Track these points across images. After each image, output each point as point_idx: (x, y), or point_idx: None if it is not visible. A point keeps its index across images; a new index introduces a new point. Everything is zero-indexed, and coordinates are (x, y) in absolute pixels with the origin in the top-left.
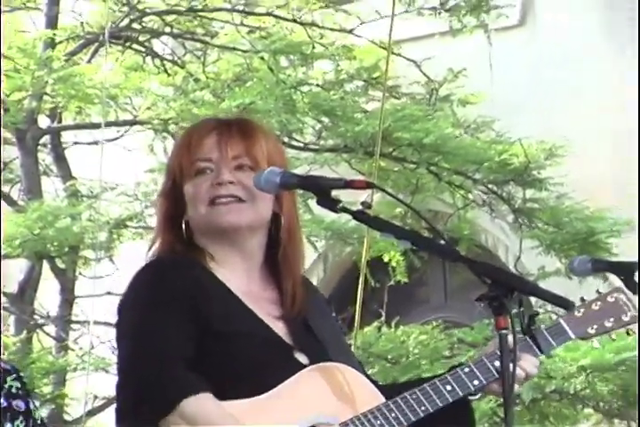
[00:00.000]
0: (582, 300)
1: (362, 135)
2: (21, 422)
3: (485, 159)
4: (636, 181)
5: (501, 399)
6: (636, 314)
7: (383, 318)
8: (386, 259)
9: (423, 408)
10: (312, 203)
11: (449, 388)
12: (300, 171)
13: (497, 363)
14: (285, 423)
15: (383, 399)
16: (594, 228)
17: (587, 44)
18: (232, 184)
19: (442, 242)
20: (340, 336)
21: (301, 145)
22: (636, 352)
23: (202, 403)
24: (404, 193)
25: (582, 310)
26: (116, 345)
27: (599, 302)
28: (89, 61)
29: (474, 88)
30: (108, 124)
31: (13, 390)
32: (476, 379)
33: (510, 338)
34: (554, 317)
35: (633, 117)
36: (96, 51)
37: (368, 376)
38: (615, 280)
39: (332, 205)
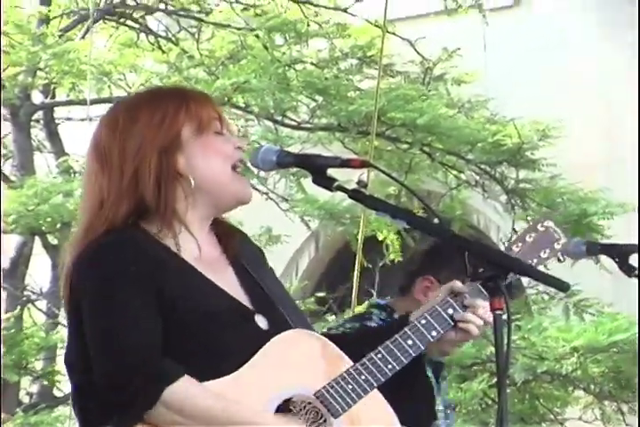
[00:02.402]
0: (515, 231)
1: (355, 114)
2: None
3: (479, 140)
4: (628, 163)
5: (492, 380)
6: (566, 240)
7: (374, 298)
8: (380, 238)
9: (390, 367)
10: (305, 182)
11: (410, 342)
12: (293, 149)
13: (450, 311)
14: (261, 399)
15: (349, 361)
16: (587, 209)
17: (582, 24)
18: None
19: (436, 222)
20: (283, 290)
21: (295, 124)
22: (629, 334)
23: (185, 388)
24: (397, 173)
25: (519, 244)
26: (68, 322)
27: (532, 234)
28: (82, 37)
29: (468, 68)
30: (100, 101)
31: None
32: (433, 330)
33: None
34: (545, 297)
35: (628, 99)
36: (90, 27)
37: (313, 329)
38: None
39: (328, 183)
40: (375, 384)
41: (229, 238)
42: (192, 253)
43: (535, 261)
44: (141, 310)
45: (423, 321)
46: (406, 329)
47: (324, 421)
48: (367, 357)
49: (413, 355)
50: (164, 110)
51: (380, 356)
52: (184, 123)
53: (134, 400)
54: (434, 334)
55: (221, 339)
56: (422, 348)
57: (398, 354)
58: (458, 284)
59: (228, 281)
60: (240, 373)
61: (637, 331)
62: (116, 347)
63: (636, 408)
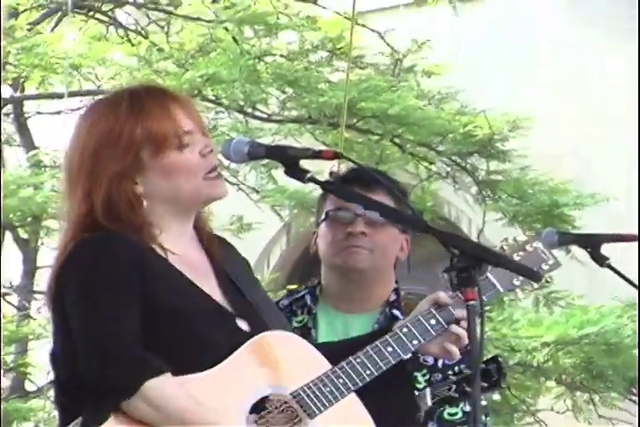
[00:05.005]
0: (502, 249)
1: (326, 106)
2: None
3: (449, 131)
4: (598, 154)
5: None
6: (555, 261)
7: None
8: None
9: (368, 372)
10: (275, 173)
11: (390, 349)
12: (263, 142)
13: (433, 321)
14: (239, 396)
15: (328, 364)
16: (557, 200)
17: (552, 16)
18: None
19: (410, 213)
20: (266, 296)
21: (265, 116)
22: (599, 327)
23: (163, 385)
24: (367, 164)
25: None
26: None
27: (520, 253)
28: (52, 31)
29: (438, 60)
30: (72, 95)
31: None
32: (415, 339)
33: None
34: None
35: (598, 90)
36: (59, 20)
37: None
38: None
39: (301, 175)
40: (352, 388)
41: (213, 247)
42: (179, 256)
43: (521, 278)
44: (124, 306)
45: (405, 330)
46: (387, 336)
47: (300, 420)
48: (346, 360)
49: (393, 362)
50: (120, 130)
51: (358, 360)
52: (142, 144)
53: (113, 389)
54: (415, 343)
55: (201, 336)
56: (403, 356)
57: (377, 360)
58: (442, 295)
59: (209, 285)
60: (219, 369)
61: (637, 324)
62: (100, 340)
63: (608, 399)
